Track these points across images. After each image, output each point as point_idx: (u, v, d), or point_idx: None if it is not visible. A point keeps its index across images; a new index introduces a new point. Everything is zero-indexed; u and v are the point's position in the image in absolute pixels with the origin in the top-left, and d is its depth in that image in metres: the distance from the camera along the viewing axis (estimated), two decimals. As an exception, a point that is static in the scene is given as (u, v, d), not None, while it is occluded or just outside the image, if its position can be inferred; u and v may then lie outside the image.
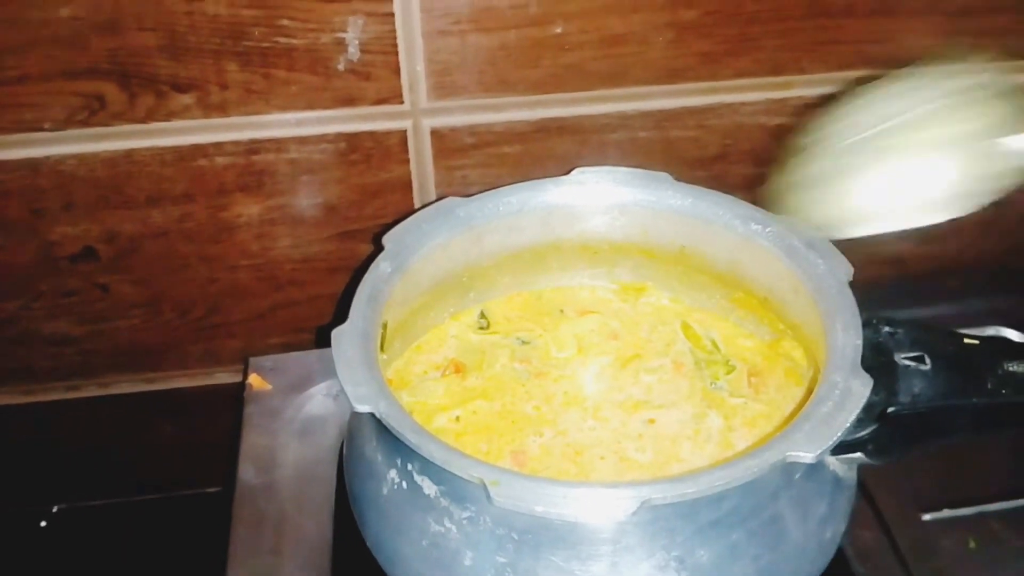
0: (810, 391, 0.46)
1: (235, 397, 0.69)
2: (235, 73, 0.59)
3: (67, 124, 0.60)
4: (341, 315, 0.46)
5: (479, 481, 0.36)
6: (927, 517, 0.56)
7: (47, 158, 0.61)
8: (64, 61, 0.57)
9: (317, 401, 0.64)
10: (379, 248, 0.50)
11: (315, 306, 0.71)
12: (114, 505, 0.80)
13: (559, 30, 0.60)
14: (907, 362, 0.43)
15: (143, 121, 0.60)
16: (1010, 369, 0.43)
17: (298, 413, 0.63)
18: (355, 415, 0.48)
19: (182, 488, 0.80)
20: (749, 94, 0.64)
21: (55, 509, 0.80)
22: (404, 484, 0.42)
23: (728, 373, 0.54)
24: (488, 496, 0.36)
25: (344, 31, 0.58)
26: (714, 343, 0.56)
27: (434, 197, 0.66)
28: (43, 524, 0.80)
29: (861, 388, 0.39)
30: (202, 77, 0.59)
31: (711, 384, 0.53)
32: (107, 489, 0.80)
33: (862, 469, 0.47)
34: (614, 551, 0.38)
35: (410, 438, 0.38)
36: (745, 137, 0.66)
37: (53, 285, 0.67)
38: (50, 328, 0.69)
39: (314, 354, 0.67)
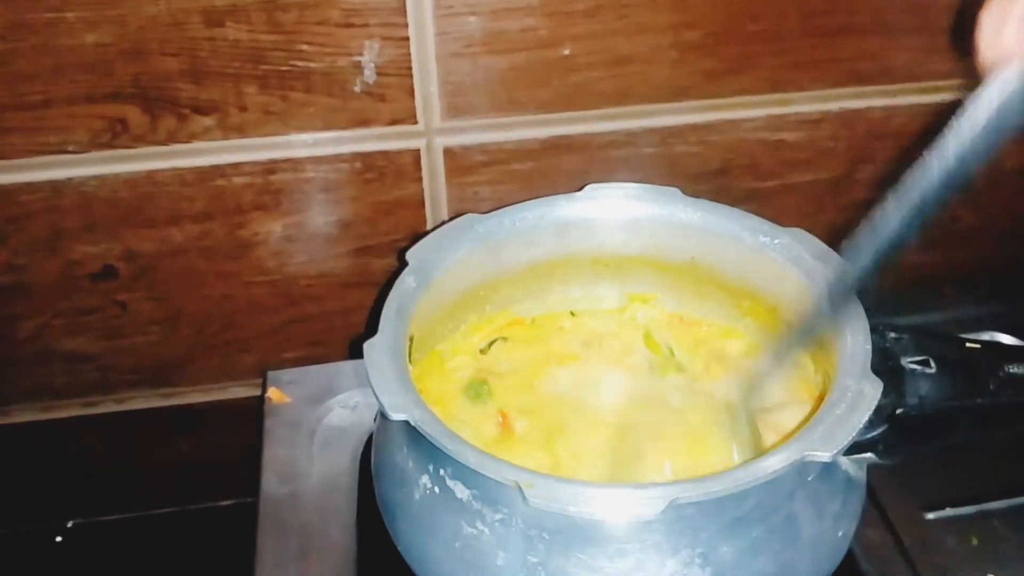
0: (820, 397, 0.49)
1: (250, 411, 0.70)
2: (254, 96, 0.61)
3: (90, 147, 0.61)
4: (370, 329, 0.48)
5: (514, 484, 0.38)
6: (931, 516, 0.58)
7: (70, 179, 0.62)
8: (89, 86, 0.59)
9: (336, 413, 0.66)
10: (403, 264, 0.52)
11: (329, 320, 0.72)
12: (129, 520, 0.81)
13: (567, 51, 0.62)
14: (913, 366, 0.45)
15: (164, 143, 0.62)
16: (1011, 371, 0.46)
17: (317, 425, 0.65)
18: (382, 424, 0.50)
19: (197, 502, 0.82)
20: (749, 111, 0.67)
21: (70, 524, 0.81)
22: (436, 489, 0.43)
23: (677, 372, 0.56)
24: (524, 498, 0.38)
25: (361, 54, 0.60)
26: (671, 351, 0.58)
27: (446, 214, 0.68)
28: (59, 539, 0.80)
29: (872, 391, 0.42)
30: (222, 100, 0.61)
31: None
32: (122, 504, 0.81)
33: (870, 471, 0.49)
34: (641, 548, 0.40)
35: (446, 445, 0.40)
36: (746, 152, 0.69)
37: (73, 303, 0.68)
38: (69, 345, 0.71)
39: (331, 367, 0.68)
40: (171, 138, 0.62)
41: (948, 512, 0.58)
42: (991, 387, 0.45)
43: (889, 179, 0.71)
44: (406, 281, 0.50)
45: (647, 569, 0.40)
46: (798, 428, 0.45)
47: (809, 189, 0.71)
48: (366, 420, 0.64)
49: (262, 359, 0.74)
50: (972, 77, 0.69)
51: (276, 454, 0.63)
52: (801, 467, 0.40)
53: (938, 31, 0.65)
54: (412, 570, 0.47)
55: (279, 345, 0.73)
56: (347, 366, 0.68)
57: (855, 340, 0.45)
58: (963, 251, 0.77)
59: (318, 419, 0.65)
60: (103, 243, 0.66)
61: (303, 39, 0.59)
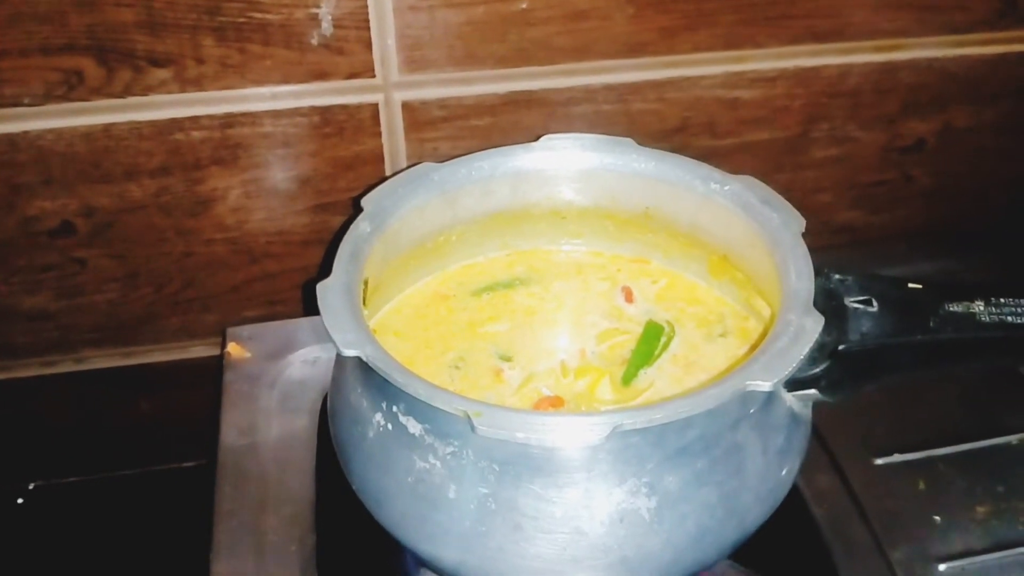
0: (764, 333, 0.50)
1: (212, 371, 0.70)
2: (211, 48, 0.61)
3: (46, 99, 0.61)
4: (324, 275, 0.48)
5: (463, 414, 0.39)
6: (879, 462, 0.59)
7: (26, 133, 0.62)
8: (43, 37, 0.58)
9: (295, 367, 0.66)
10: (358, 210, 0.52)
11: (289, 279, 0.73)
12: (91, 481, 0.81)
13: (525, 5, 0.62)
14: (856, 305, 0.46)
15: (121, 96, 0.62)
16: (951, 309, 0.46)
17: (277, 379, 0.65)
18: (339, 366, 0.50)
19: (159, 463, 0.82)
20: (706, 67, 0.67)
21: (32, 486, 0.81)
22: (389, 426, 0.44)
23: None
24: (472, 427, 0.38)
25: (318, 6, 0.60)
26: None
27: (406, 169, 0.68)
28: (20, 501, 0.80)
29: (813, 325, 0.42)
30: (179, 52, 0.60)
31: None
32: (84, 465, 0.81)
33: (818, 413, 0.50)
34: (588, 478, 0.41)
35: (397, 378, 0.41)
36: (703, 110, 0.69)
37: (31, 260, 0.68)
38: (28, 303, 0.70)
39: (291, 323, 0.69)
40: (127, 91, 0.61)
41: (896, 458, 0.59)
42: (931, 324, 0.46)
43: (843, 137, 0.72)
44: (360, 226, 0.50)
45: (595, 498, 0.41)
46: (741, 362, 0.46)
47: (766, 147, 0.72)
48: (326, 375, 0.64)
49: (223, 318, 0.74)
50: (923, 35, 0.70)
51: (235, 407, 0.63)
52: (744, 398, 0.41)
53: (891, -10, 0.67)
54: (367, 510, 0.47)
55: (240, 304, 0.74)
56: (307, 322, 0.69)
57: (799, 279, 0.45)
58: (913, 212, 0.78)
59: (278, 373, 0.65)
60: (60, 198, 0.65)
61: (260, -10, 0.59)
